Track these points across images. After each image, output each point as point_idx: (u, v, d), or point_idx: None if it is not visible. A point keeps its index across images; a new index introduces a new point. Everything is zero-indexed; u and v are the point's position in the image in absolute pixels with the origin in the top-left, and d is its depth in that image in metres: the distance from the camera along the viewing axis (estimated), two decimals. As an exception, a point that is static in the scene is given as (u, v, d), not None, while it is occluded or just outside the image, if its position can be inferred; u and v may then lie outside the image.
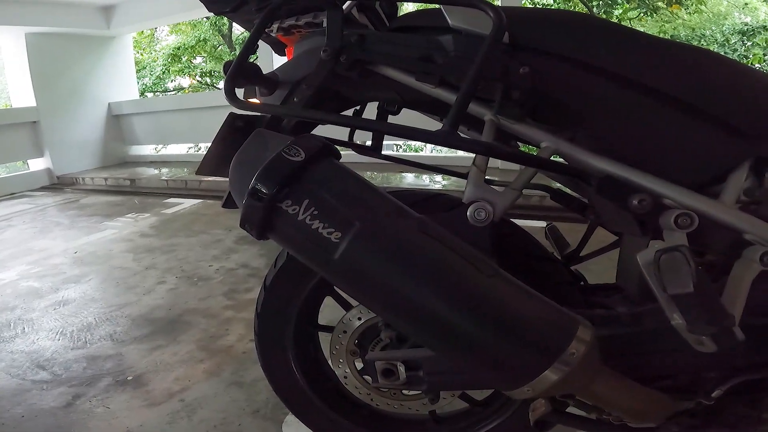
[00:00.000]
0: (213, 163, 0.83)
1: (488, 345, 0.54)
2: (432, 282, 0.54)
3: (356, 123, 0.73)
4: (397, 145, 6.68)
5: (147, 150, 6.12)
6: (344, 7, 0.77)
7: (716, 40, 7.84)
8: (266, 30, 0.91)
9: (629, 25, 6.59)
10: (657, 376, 0.71)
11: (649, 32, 1.23)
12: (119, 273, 2.47)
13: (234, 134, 0.84)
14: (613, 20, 3.49)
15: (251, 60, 0.76)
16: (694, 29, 8.60)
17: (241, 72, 0.73)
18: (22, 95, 4.95)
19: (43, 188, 4.99)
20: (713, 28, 8.50)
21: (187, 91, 10.45)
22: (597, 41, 0.68)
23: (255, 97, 0.89)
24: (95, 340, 1.77)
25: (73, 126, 5.22)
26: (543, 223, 1.12)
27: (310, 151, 0.58)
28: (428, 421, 1.01)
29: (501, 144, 0.69)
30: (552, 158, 0.71)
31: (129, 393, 1.43)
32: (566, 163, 0.82)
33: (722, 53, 5.19)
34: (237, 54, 0.74)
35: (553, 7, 7.87)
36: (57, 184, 5.11)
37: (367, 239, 0.55)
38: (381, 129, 0.64)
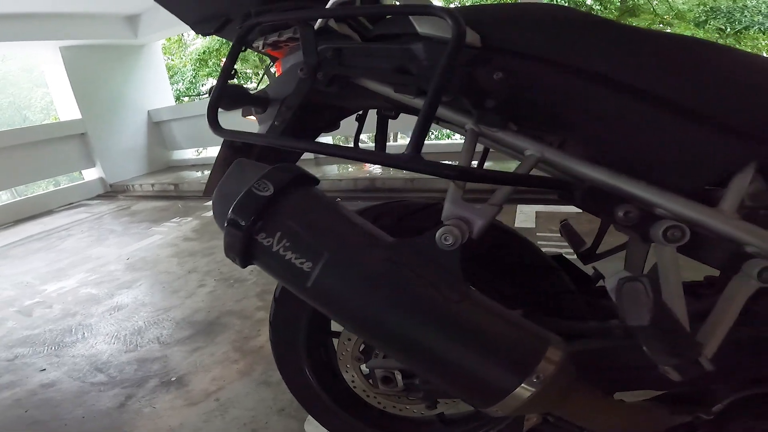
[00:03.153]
0: (216, 185, 0.88)
1: (455, 367, 0.57)
2: (397, 309, 0.57)
3: (320, 149, 0.70)
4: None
5: (188, 154, 6.40)
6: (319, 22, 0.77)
7: (760, 11, 6.99)
8: (253, 46, 0.94)
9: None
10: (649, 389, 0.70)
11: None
12: (165, 277, 2.66)
13: (234, 156, 0.88)
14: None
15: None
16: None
17: (223, 97, 0.74)
18: (68, 108, 5.30)
19: (98, 197, 5.37)
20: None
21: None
22: (576, 39, 0.63)
23: (252, 114, 0.92)
24: (144, 343, 1.94)
25: (118, 135, 5.55)
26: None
27: (280, 184, 0.60)
28: (436, 422, 1.05)
29: (473, 168, 0.66)
30: (535, 169, 0.68)
31: (172, 393, 1.57)
32: (550, 173, 0.79)
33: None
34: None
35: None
36: (110, 192, 5.48)
37: (335, 269, 0.58)
38: (344, 155, 0.64)
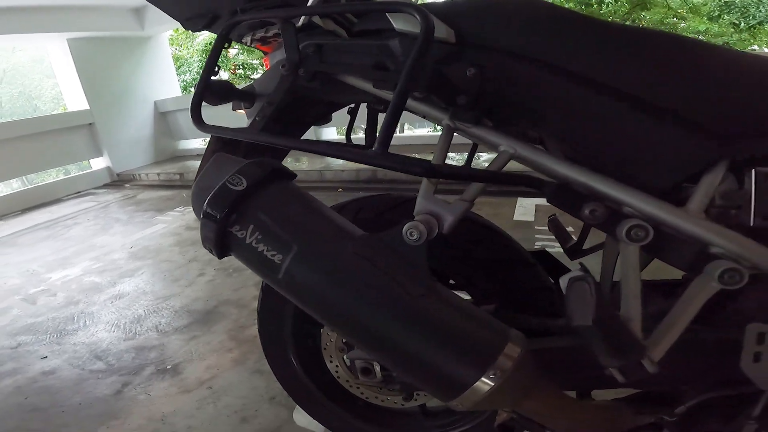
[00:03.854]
0: None
1: (417, 360, 0.57)
2: (361, 302, 0.58)
3: (292, 144, 0.72)
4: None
5: (195, 143, 6.45)
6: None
7: None
8: (242, 41, 0.94)
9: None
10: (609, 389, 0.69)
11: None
12: (167, 266, 2.69)
13: (223, 149, 0.89)
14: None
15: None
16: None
17: (207, 92, 0.75)
18: (76, 99, 5.37)
19: (105, 185, 5.43)
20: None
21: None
22: (547, 34, 0.62)
23: (241, 108, 0.94)
24: (143, 332, 1.97)
25: (125, 125, 5.61)
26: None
27: (254, 179, 0.62)
28: (418, 414, 1.06)
29: (441, 164, 0.66)
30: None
31: (167, 381, 1.60)
32: (522, 170, 0.79)
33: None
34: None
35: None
36: (117, 181, 5.54)
37: (303, 261, 0.59)
38: (313, 150, 0.64)
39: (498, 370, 0.54)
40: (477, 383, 0.54)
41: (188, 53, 10.86)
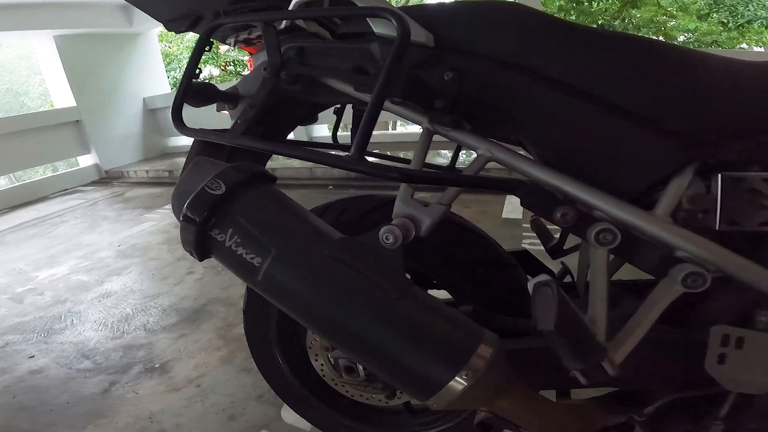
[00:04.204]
0: None
1: (393, 360, 0.59)
2: (338, 304, 0.59)
3: (269, 148, 0.73)
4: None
5: (185, 140, 6.38)
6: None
7: (764, 5, 6.86)
8: (227, 42, 0.95)
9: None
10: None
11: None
12: (155, 264, 2.68)
13: (206, 150, 0.90)
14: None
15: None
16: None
17: (189, 94, 0.75)
18: (63, 96, 5.30)
19: (93, 183, 5.38)
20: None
21: (216, 81, 10.70)
22: (523, 39, 0.63)
23: (225, 109, 0.94)
24: (131, 330, 1.97)
25: (113, 122, 5.55)
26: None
27: (233, 183, 0.62)
28: (403, 412, 1.08)
29: (416, 170, 0.67)
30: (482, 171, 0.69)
31: (155, 380, 1.60)
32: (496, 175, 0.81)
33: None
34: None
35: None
36: (105, 178, 5.49)
37: (281, 265, 0.60)
38: (291, 154, 0.65)
39: (471, 370, 0.55)
40: (451, 383, 0.56)
41: (178, 50, 10.75)
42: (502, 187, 0.62)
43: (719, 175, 0.58)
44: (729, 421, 0.70)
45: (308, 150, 0.64)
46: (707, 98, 0.59)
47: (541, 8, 4.02)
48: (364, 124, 0.56)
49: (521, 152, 0.71)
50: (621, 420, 0.71)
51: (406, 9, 0.66)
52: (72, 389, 1.60)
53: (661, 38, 11.06)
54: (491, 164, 0.68)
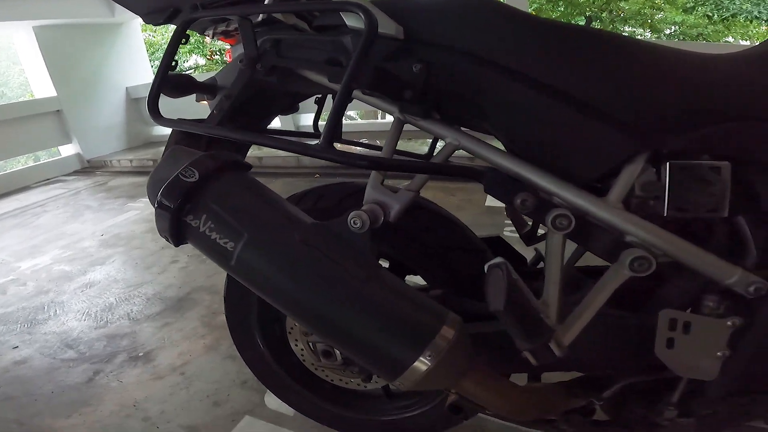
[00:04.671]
0: None
1: (361, 342, 0.61)
2: (307, 287, 0.62)
3: (244, 138, 0.75)
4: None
5: (169, 129, 6.30)
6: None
7: None
8: (205, 34, 0.95)
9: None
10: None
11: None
12: (139, 253, 2.67)
13: (185, 140, 0.91)
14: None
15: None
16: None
17: (165, 86, 0.77)
18: (43, 87, 5.18)
19: (75, 172, 5.29)
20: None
21: (202, 70, 10.52)
22: (487, 31, 0.65)
23: (204, 99, 0.95)
24: (115, 320, 1.97)
25: (95, 112, 5.45)
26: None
27: (206, 171, 0.64)
28: (382, 396, 1.11)
29: (384, 158, 0.69)
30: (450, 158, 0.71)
31: (140, 368, 1.61)
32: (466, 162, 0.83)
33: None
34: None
35: None
36: (88, 167, 5.40)
37: (253, 249, 0.62)
38: (263, 143, 0.66)
39: (433, 351, 0.58)
40: (415, 363, 0.58)
41: (163, 39, 10.54)
42: (466, 174, 0.65)
43: (668, 164, 0.61)
44: (681, 407, 0.73)
45: (278, 139, 0.66)
46: (654, 89, 0.61)
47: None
48: (332, 114, 0.58)
49: (491, 141, 0.73)
50: (582, 403, 0.74)
51: (378, 1, 0.68)
52: (56, 379, 1.61)
53: (647, 30, 11.16)
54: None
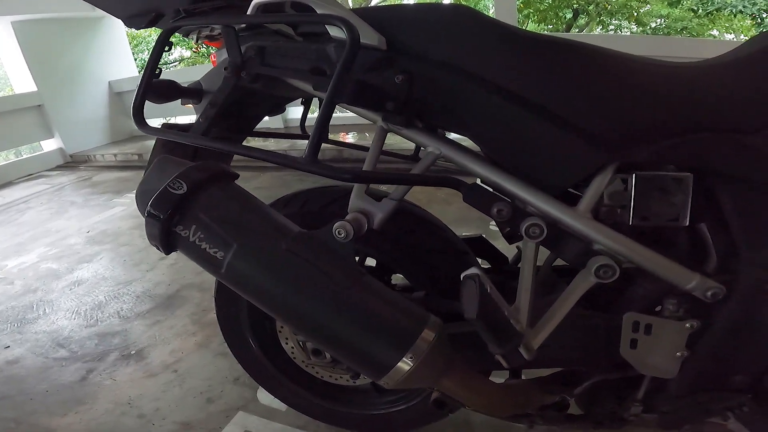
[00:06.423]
0: None
1: (347, 345, 0.65)
2: (295, 294, 0.65)
3: (228, 148, 0.77)
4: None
5: (155, 123, 6.21)
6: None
7: None
8: (189, 37, 0.96)
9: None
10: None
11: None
12: (126, 250, 2.67)
13: (170, 146, 0.93)
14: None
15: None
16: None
17: (150, 93, 0.77)
18: (23, 82, 5.08)
19: (58, 167, 5.20)
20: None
21: (188, 63, 10.34)
22: (466, 43, 0.67)
23: (190, 103, 0.96)
24: (105, 318, 1.98)
25: (77, 106, 5.36)
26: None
27: (194, 182, 0.66)
28: (371, 390, 1.15)
29: (367, 171, 0.72)
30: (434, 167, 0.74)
31: (132, 366, 1.63)
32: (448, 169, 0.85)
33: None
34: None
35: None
36: (71, 162, 5.31)
37: (242, 258, 0.65)
38: (248, 154, 0.68)
39: (415, 353, 0.62)
40: (399, 364, 0.62)
41: (146, 31, 10.32)
42: (446, 184, 0.67)
43: (633, 175, 0.65)
44: (645, 403, 0.78)
45: (264, 151, 0.67)
46: (622, 102, 0.65)
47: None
48: (317, 128, 0.59)
49: (472, 149, 0.76)
50: (556, 399, 0.79)
51: (360, 11, 0.70)
52: (50, 378, 1.62)
53: (632, 24, 11.26)
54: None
